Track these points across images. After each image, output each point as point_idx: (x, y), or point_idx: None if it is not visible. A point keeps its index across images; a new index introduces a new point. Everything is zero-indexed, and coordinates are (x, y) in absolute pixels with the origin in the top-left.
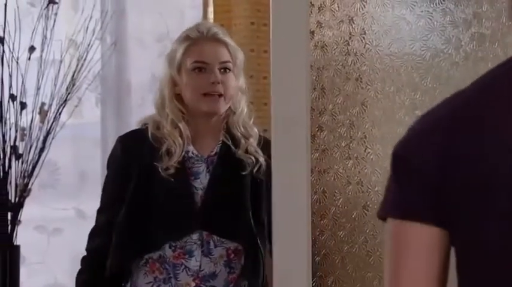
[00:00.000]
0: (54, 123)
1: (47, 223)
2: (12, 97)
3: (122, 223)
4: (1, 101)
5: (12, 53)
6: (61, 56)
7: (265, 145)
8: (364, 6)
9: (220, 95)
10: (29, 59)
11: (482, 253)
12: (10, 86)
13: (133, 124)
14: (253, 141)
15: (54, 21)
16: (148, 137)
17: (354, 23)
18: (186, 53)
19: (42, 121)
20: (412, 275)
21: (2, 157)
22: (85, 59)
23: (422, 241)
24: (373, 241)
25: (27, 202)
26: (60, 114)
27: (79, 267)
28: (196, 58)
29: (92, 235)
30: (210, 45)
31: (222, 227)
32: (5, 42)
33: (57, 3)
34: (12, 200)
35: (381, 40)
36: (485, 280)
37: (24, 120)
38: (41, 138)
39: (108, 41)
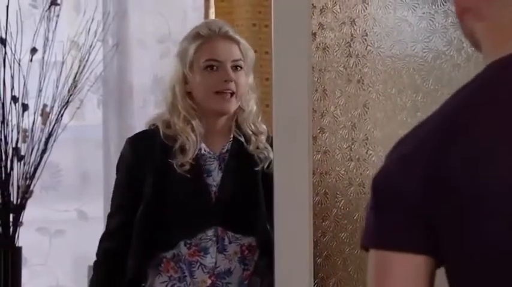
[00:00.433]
0: (56, 125)
1: (49, 225)
2: (14, 99)
3: (140, 223)
4: (3, 103)
5: (14, 54)
6: (63, 57)
7: (272, 143)
8: (366, 8)
9: (232, 94)
10: (31, 60)
11: (478, 273)
12: (12, 88)
13: (135, 126)
14: (263, 138)
15: (56, 22)
16: (159, 136)
17: (355, 24)
18: (199, 51)
19: (44, 123)
20: None
21: (4, 159)
22: (87, 61)
23: (407, 271)
24: None
25: (29, 204)
26: (62, 116)
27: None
28: (209, 56)
29: (104, 239)
30: (222, 43)
31: (237, 223)
32: (7, 43)
33: (59, 4)
34: (14, 202)
35: (383, 42)
36: None
37: (26, 122)
38: (43, 140)
39: (110, 43)
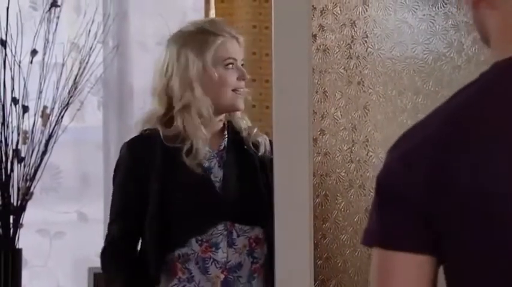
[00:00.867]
0: (56, 127)
1: (49, 226)
2: (15, 100)
3: (151, 226)
4: (3, 105)
5: (15, 56)
6: (63, 59)
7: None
8: (366, 10)
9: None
10: (31, 62)
11: (477, 272)
12: (12, 90)
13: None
14: (255, 129)
15: (56, 24)
16: (158, 138)
17: (356, 26)
18: (220, 49)
19: (44, 125)
20: None
21: (4, 160)
22: (87, 63)
23: (409, 270)
24: None
25: (29, 205)
26: (62, 117)
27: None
28: (229, 54)
29: (107, 249)
30: (235, 42)
31: (243, 215)
32: (7, 45)
33: (59, 6)
34: (15, 204)
35: (383, 44)
36: None
37: (26, 123)
38: (43, 141)
39: (110, 44)
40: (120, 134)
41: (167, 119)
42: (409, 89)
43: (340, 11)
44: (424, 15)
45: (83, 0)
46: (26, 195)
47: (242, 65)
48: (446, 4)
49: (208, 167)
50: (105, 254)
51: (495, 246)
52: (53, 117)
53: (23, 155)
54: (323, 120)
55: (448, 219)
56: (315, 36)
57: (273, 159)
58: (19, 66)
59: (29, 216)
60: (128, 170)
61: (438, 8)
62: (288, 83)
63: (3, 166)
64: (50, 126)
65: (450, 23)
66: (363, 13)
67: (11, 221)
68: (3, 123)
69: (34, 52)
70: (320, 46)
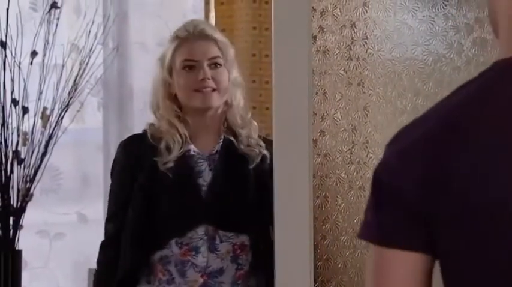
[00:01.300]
0: (56, 128)
1: (49, 228)
2: (14, 102)
3: (130, 225)
4: (3, 106)
5: (14, 57)
6: (63, 60)
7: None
8: (366, 11)
9: (213, 90)
10: (31, 63)
11: (474, 273)
12: (12, 91)
13: (135, 129)
14: (253, 134)
15: (56, 25)
16: (147, 138)
17: (356, 28)
18: (176, 53)
19: (44, 126)
20: None
21: (4, 162)
22: (87, 64)
23: (405, 268)
24: None
25: (29, 207)
26: (62, 119)
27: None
28: (185, 57)
29: (103, 246)
30: (198, 42)
31: (227, 221)
32: (7, 46)
33: (59, 7)
34: (14, 205)
35: (383, 45)
36: None
37: (26, 125)
38: (43, 143)
39: (110, 46)
40: (120, 135)
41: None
42: (409, 90)
43: (340, 12)
44: (424, 16)
45: (82, 2)
46: (25, 196)
47: (215, 63)
48: (446, 5)
49: (198, 170)
50: (99, 251)
51: (493, 245)
52: (53, 119)
53: (22, 156)
54: (323, 121)
55: (445, 218)
56: (314, 37)
57: (265, 168)
58: (19, 67)
59: (29, 217)
60: (121, 169)
61: (438, 10)
62: (288, 84)
63: (3, 167)
64: (50, 127)
65: (450, 24)
66: (362, 14)
67: (11, 222)
68: (3, 125)
69: (34, 53)
70: (320, 47)
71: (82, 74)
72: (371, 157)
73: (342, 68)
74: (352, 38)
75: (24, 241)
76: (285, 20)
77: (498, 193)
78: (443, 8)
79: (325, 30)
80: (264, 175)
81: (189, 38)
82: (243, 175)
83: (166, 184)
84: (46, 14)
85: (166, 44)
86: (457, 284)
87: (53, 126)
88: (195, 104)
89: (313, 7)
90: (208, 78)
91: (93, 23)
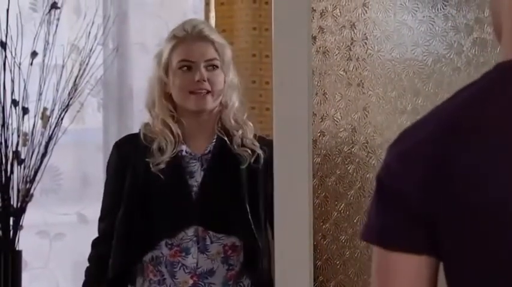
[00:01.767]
0: (56, 129)
1: (49, 228)
2: (15, 102)
3: (121, 224)
4: (3, 106)
5: (15, 58)
6: (63, 61)
7: (259, 141)
8: (366, 12)
9: (208, 92)
10: (31, 64)
11: (477, 274)
12: (12, 91)
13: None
14: (248, 134)
15: (56, 26)
16: (140, 139)
17: (355, 28)
18: (172, 52)
19: (44, 126)
20: None
21: (4, 162)
22: (87, 64)
23: (409, 270)
24: None
25: (29, 207)
26: (62, 119)
27: (81, 272)
28: (181, 57)
29: (94, 244)
30: (195, 43)
31: (218, 222)
32: (7, 47)
33: (59, 8)
34: (14, 205)
35: (383, 45)
36: None
37: (26, 125)
38: (43, 143)
39: (110, 46)
40: (120, 136)
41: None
42: (409, 90)
43: (340, 13)
44: (423, 17)
45: (83, 2)
46: (26, 197)
47: (212, 65)
48: (446, 6)
49: (190, 171)
50: (91, 249)
51: (493, 245)
52: (53, 119)
53: (23, 157)
54: (323, 121)
55: (446, 219)
56: (314, 38)
57: (259, 168)
58: (19, 68)
59: (29, 218)
60: (114, 169)
61: (438, 10)
62: (288, 84)
63: (3, 167)
64: (50, 128)
65: (450, 24)
66: (362, 15)
67: (11, 223)
68: (3, 125)
69: (34, 54)
70: (320, 48)
71: (82, 74)
72: (371, 157)
73: (342, 69)
74: (352, 38)
75: (24, 242)
76: (285, 21)
77: (498, 193)
78: (443, 8)
79: (325, 30)
80: (257, 175)
81: (187, 38)
82: (235, 175)
83: (157, 185)
84: (46, 14)
85: (164, 43)
86: (460, 285)
87: (53, 126)
88: (189, 107)
89: (313, 8)
90: (204, 80)
91: (93, 23)
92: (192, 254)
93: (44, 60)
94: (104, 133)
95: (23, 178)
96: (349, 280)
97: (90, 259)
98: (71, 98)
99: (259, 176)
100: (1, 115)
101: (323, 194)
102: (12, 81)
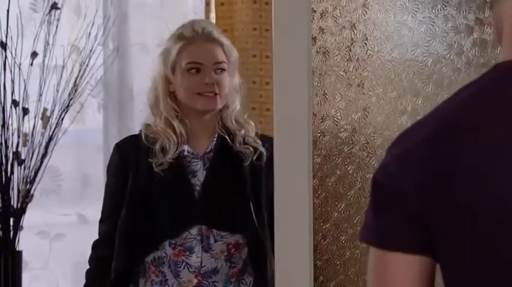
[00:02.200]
0: (56, 129)
1: (49, 229)
2: (15, 103)
3: (123, 225)
4: (3, 107)
5: (15, 58)
6: (63, 61)
7: (262, 139)
8: (366, 13)
9: (215, 94)
10: (31, 64)
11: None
12: (12, 92)
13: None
14: (250, 132)
15: (57, 26)
16: (141, 139)
17: (355, 29)
18: (181, 53)
19: (44, 127)
20: None
21: (4, 163)
22: (87, 65)
23: (405, 270)
24: None
25: (30, 208)
26: (62, 120)
27: (81, 273)
28: (191, 59)
29: (95, 246)
30: (205, 45)
31: (221, 221)
32: (7, 47)
33: (59, 8)
34: (15, 206)
35: (383, 46)
36: None
37: (27, 126)
38: (43, 144)
39: (111, 47)
40: (120, 136)
41: (150, 121)
42: (409, 91)
43: (340, 13)
44: (423, 17)
45: (83, 3)
46: (26, 197)
47: (220, 69)
48: (446, 6)
49: (192, 170)
50: (92, 250)
51: (493, 246)
52: (53, 120)
53: (23, 157)
54: (323, 122)
55: (446, 219)
56: (314, 38)
57: (262, 166)
58: (19, 68)
59: (29, 218)
60: (116, 170)
61: (438, 11)
62: (288, 85)
63: (3, 168)
64: (50, 128)
65: (450, 25)
66: (362, 16)
67: (11, 223)
68: (3, 126)
69: (34, 54)
70: (320, 48)
71: (82, 75)
72: (371, 158)
73: (342, 69)
74: (352, 39)
75: (25, 242)
76: (285, 21)
77: (498, 193)
78: (443, 9)
79: (325, 31)
80: (259, 173)
81: (196, 39)
82: (237, 173)
83: (160, 185)
84: (46, 15)
85: (169, 41)
86: (458, 285)
87: (53, 127)
88: (196, 106)
89: (313, 8)
90: (213, 83)
91: (93, 24)
92: (196, 253)
93: (44, 61)
94: (104, 134)
95: (23, 178)
96: (349, 280)
97: (90, 261)
98: (71, 99)
99: (262, 174)
100: (1, 116)
101: (323, 194)
102: (13, 81)
